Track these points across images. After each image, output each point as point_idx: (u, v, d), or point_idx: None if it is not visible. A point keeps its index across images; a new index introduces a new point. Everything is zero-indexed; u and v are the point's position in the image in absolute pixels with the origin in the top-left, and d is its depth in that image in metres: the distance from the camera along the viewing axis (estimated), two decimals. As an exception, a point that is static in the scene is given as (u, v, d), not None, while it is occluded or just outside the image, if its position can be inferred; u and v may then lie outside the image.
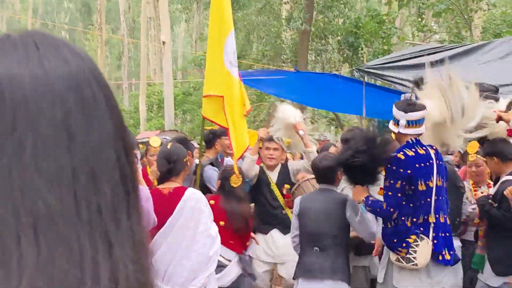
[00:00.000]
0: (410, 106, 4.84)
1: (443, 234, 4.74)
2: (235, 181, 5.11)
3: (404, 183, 4.66)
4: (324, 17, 20.74)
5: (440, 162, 4.90)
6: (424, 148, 4.84)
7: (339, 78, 12.06)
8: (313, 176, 5.79)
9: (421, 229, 4.63)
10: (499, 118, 5.11)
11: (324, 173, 5.25)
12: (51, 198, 0.63)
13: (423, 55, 11.06)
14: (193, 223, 4.31)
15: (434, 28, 20.47)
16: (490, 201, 5.29)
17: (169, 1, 25.69)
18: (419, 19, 20.45)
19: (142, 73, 29.95)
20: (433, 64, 10.42)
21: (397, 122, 4.86)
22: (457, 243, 5.41)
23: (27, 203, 0.62)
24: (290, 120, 6.20)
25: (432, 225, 4.66)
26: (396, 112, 4.87)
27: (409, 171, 4.65)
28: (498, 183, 5.34)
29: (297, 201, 5.34)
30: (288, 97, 14.14)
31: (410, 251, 4.59)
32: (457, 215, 5.66)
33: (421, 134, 4.90)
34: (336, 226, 5.05)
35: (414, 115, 4.81)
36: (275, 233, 6.15)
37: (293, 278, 5.33)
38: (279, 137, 6.31)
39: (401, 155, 4.70)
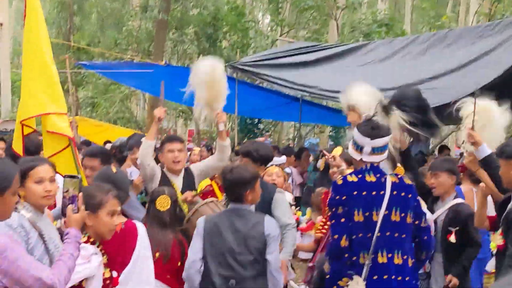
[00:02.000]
0: (376, 130, 4.28)
1: (393, 277, 4.15)
2: (162, 204, 4.34)
3: (342, 209, 4.16)
4: (181, 6, 20.22)
5: (402, 194, 4.29)
6: (378, 175, 4.31)
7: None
8: (212, 199, 5.15)
9: (355, 269, 4.10)
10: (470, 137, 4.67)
11: (233, 188, 4.27)
12: None
13: (298, 54, 11.01)
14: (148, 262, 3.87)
15: (292, 24, 20.52)
16: None
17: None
18: (277, 13, 20.48)
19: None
20: (309, 63, 10.50)
21: (359, 148, 4.30)
22: None
23: None
24: (215, 97, 5.47)
25: (368, 265, 4.09)
26: (359, 136, 4.29)
27: (344, 197, 4.15)
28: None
29: (200, 220, 4.31)
30: (151, 91, 13.58)
31: None
32: None
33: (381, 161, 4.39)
34: (256, 252, 4.09)
35: (380, 142, 4.28)
36: None
37: None
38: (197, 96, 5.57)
39: (339, 180, 4.27)
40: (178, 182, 5.37)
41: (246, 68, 10.70)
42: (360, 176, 4.26)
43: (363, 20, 17.14)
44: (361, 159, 4.29)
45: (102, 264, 3.35)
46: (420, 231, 4.32)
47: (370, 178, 4.26)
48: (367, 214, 4.18)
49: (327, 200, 4.42)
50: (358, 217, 4.17)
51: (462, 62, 7.99)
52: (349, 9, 17.57)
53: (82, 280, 3.23)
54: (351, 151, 4.38)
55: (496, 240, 4.37)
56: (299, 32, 21.75)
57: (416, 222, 4.30)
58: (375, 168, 4.32)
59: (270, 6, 20.40)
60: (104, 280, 3.40)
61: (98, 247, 3.36)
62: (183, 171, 5.48)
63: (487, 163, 4.59)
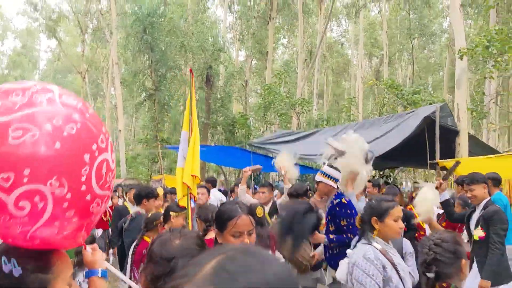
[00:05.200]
0: (338, 169, 3.80)
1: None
2: (260, 212, 3.74)
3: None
4: (215, 116, 20.07)
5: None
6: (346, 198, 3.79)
7: (237, 149, 11.28)
8: None
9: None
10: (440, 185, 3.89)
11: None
12: None
13: (282, 136, 10.66)
14: None
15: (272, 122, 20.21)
16: None
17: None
18: (264, 117, 20.11)
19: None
20: (289, 141, 10.11)
21: (335, 180, 3.76)
22: None
23: None
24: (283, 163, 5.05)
25: None
26: (333, 172, 3.76)
27: (353, 211, 3.58)
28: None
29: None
30: (207, 159, 13.02)
31: None
32: None
33: None
34: None
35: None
36: None
37: None
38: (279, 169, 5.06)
39: (344, 200, 3.66)
40: (266, 208, 4.75)
41: (255, 145, 10.31)
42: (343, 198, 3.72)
43: (312, 118, 16.91)
44: (337, 187, 3.80)
45: None
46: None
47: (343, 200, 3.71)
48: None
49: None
50: (343, 222, 3.62)
51: (375, 137, 7.59)
52: (303, 114, 17.42)
53: None
54: (330, 182, 3.73)
55: (478, 233, 3.62)
56: (274, 126, 21.30)
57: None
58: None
59: (261, 114, 20.03)
60: None
61: None
62: (271, 202, 4.96)
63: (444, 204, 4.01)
